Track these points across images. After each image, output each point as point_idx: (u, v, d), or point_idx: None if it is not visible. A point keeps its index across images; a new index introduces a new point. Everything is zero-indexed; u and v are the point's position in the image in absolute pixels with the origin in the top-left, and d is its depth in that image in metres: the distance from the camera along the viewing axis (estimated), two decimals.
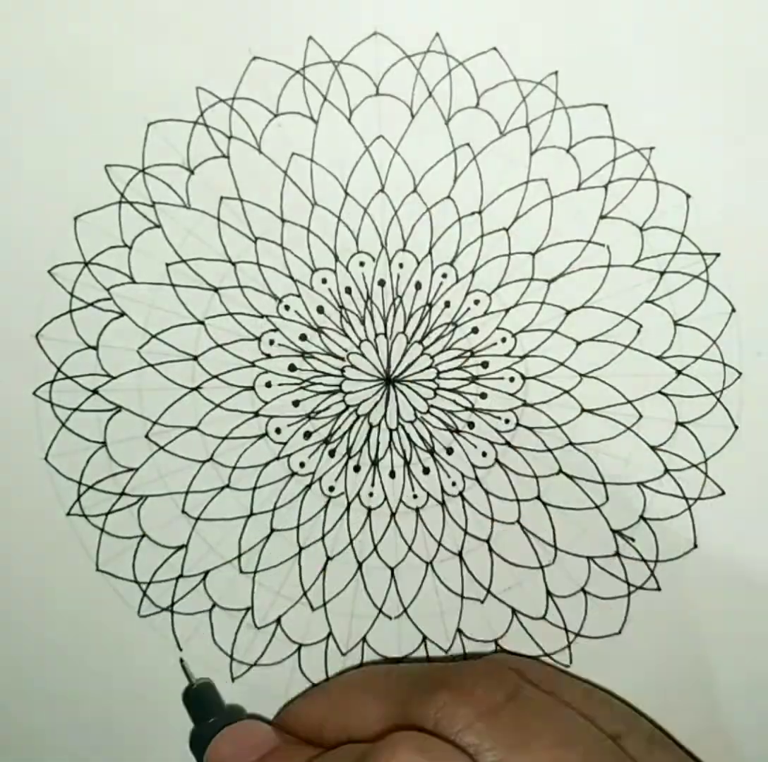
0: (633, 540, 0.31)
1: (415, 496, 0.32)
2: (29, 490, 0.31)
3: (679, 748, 0.30)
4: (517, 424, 0.31)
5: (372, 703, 0.27)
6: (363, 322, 0.31)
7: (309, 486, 0.32)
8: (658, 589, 0.31)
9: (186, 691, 0.31)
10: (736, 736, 0.32)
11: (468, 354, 0.31)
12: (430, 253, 0.30)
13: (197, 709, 0.30)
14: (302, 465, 0.32)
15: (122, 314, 0.31)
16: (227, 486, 0.32)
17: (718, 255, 0.30)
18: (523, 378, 0.31)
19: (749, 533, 0.31)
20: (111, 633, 0.32)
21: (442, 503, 0.32)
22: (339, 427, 0.31)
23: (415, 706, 0.25)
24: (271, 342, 0.31)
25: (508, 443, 0.31)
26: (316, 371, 0.31)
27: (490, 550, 0.32)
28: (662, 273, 0.30)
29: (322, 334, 0.31)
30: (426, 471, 0.32)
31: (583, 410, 0.31)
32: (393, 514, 0.32)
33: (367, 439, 0.32)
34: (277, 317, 0.31)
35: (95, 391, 0.31)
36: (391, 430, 0.32)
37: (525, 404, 0.31)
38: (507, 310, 0.31)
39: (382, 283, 0.31)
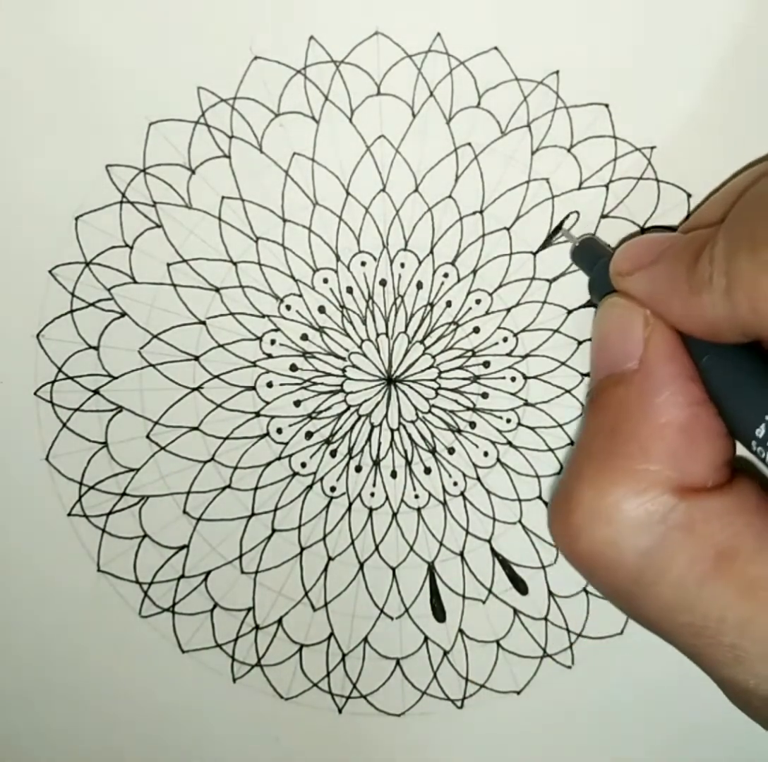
0: None
1: (416, 496, 0.32)
2: (30, 490, 0.31)
3: None
4: (519, 424, 0.31)
5: None
6: (364, 322, 0.31)
7: (310, 486, 0.32)
8: None
9: (572, 252, 0.30)
10: (737, 736, 0.32)
11: (469, 354, 0.31)
12: (431, 252, 0.30)
13: (585, 260, 0.29)
14: (304, 465, 0.32)
15: (123, 314, 0.31)
16: (228, 486, 0.32)
17: None
18: (525, 377, 0.31)
19: None
20: (112, 634, 0.32)
21: (444, 503, 0.32)
22: (340, 427, 0.31)
23: None
24: (273, 342, 0.31)
25: (509, 443, 0.31)
26: (318, 371, 0.31)
27: (492, 550, 0.32)
28: None
29: (323, 334, 0.31)
30: (427, 471, 0.32)
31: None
32: (394, 515, 0.32)
33: (369, 439, 0.31)
34: (278, 317, 0.31)
35: (96, 392, 0.31)
36: (392, 430, 0.32)
37: (526, 404, 0.31)
38: (508, 310, 0.31)
39: (383, 282, 0.31)
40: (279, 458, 0.32)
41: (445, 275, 0.31)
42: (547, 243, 0.30)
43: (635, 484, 0.23)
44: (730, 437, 0.24)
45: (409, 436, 0.31)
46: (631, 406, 0.24)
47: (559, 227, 0.30)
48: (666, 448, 0.23)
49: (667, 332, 0.24)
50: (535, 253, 0.30)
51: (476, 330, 0.31)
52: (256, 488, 0.32)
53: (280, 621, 0.32)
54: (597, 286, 0.28)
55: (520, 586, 0.32)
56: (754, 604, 0.22)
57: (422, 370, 0.31)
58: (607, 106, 0.29)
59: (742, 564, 0.22)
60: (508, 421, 0.31)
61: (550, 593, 0.32)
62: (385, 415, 0.31)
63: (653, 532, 0.23)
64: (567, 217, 0.30)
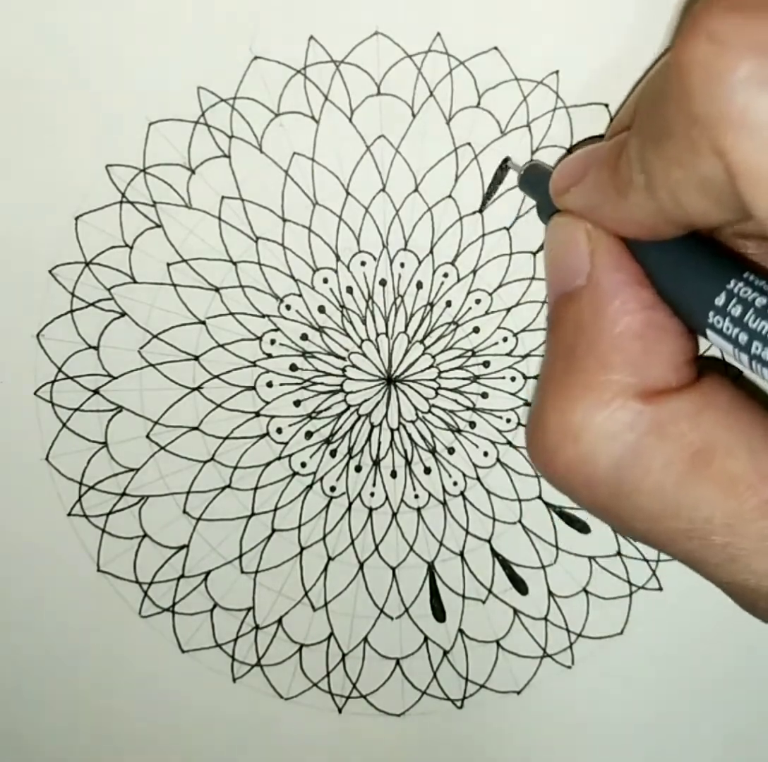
0: None
1: (416, 496, 0.32)
2: (30, 490, 0.31)
3: None
4: (519, 424, 0.31)
5: None
6: (364, 322, 0.31)
7: (310, 486, 0.32)
8: (660, 589, 0.31)
9: (519, 181, 0.29)
10: (738, 736, 0.32)
11: (469, 353, 0.31)
12: (431, 252, 0.30)
13: (533, 187, 0.28)
14: (303, 465, 0.32)
15: (123, 314, 0.31)
16: (228, 486, 0.32)
17: None
18: (525, 377, 0.31)
19: None
20: (112, 634, 0.32)
21: (444, 503, 0.32)
22: (340, 427, 0.31)
23: None
24: (273, 342, 0.31)
25: (509, 443, 0.31)
26: (318, 371, 0.31)
27: (492, 550, 0.32)
28: None
29: (323, 334, 0.31)
30: (427, 471, 0.32)
31: None
32: (394, 514, 0.32)
33: (369, 438, 0.31)
34: (278, 317, 0.31)
35: (96, 392, 0.31)
36: (392, 430, 0.32)
37: (526, 404, 0.31)
38: (508, 310, 0.31)
39: (383, 282, 0.31)
40: (279, 458, 0.32)
41: (445, 275, 0.31)
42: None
43: (598, 396, 0.22)
44: (691, 335, 0.23)
45: (409, 436, 0.31)
46: (584, 321, 0.23)
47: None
48: (624, 356, 0.22)
49: (611, 242, 0.23)
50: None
51: (476, 330, 0.31)
52: (256, 488, 0.32)
53: (280, 621, 0.32)
54: (544, 210, 0.27)
55: (520, 586, 0.32)
56: (738, 500, 0.21)
57: (422, 370, 0.31)
58: (606, 105, 0.29)
59: (720, 461, 0.21)
60: (508, 421, 0.31)
61: (550, 593, 0.32)
62: (385, 415, 0.31)
63: (624, 441, 0.22)
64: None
